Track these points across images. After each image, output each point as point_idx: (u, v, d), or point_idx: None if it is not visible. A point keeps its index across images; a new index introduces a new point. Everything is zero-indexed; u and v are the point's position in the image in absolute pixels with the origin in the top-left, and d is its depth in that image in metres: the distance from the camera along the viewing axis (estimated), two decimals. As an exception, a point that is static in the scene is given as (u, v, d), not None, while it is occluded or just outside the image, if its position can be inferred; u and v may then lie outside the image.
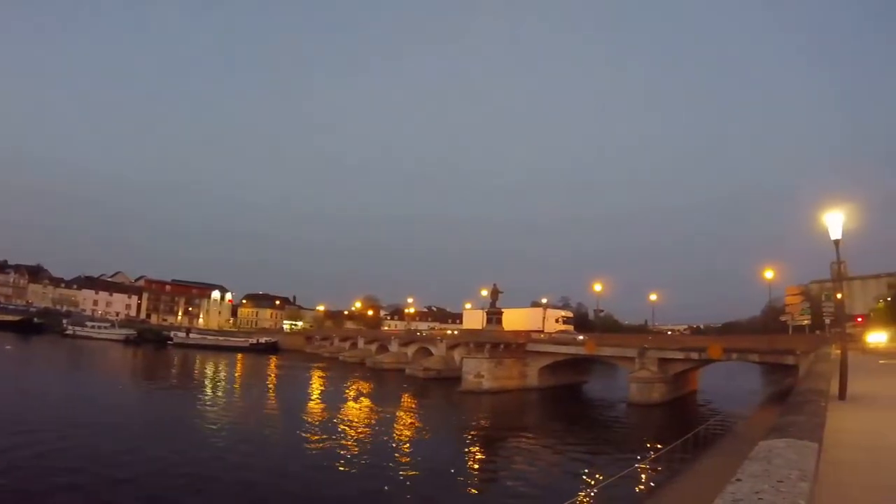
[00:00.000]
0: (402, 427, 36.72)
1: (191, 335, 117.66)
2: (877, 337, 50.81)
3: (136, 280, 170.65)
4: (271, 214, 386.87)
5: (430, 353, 73.93)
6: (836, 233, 14.12)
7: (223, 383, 59.86)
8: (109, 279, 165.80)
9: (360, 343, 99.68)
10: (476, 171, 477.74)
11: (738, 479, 3.60)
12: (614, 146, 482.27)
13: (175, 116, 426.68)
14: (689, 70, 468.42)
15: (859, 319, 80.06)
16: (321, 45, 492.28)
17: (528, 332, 64.80)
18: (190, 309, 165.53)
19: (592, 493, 19.56)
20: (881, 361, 30.89)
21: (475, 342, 58.08)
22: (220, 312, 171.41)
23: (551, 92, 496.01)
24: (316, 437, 30.79)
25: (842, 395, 13.94)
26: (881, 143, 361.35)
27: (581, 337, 63.32)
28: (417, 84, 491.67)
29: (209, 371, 70.78)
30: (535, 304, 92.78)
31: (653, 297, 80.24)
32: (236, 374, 69.91)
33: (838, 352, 17.43)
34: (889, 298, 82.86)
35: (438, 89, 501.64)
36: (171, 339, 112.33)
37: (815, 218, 14.94)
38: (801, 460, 4.22)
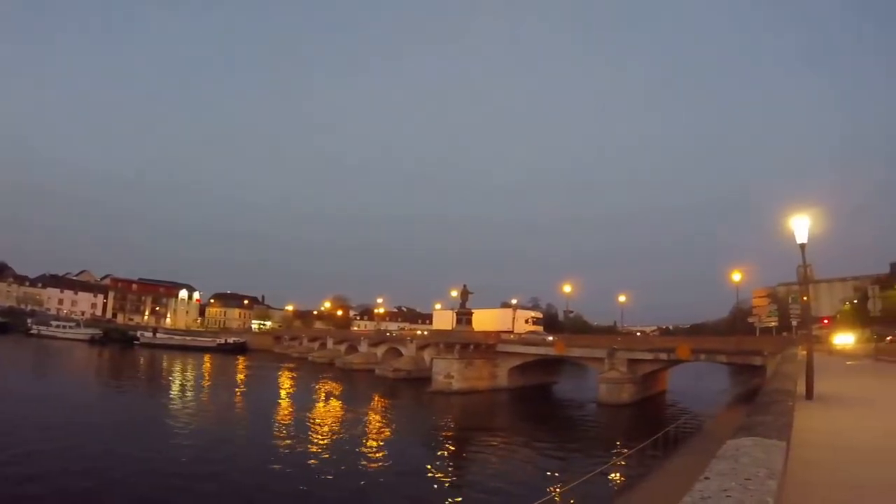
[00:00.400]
0: (372, 428, 36.43)
1: (158, 335, 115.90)
2: (843, 338, 51.64)
3: (102, 279, 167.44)
4: (270, 214, 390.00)
5: (400, 354, 73.43)
6: (802, 237, 14.31)
7: (191, 384, 58.68)
8: (75, 277, 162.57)
9: (330, 343, 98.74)
10: (477, 170, 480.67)
11: (707, 477, 3.58)
12: (614, 146, 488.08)
13: (175, 116, 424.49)
14: (689, 70, 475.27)
15: (825, 321, 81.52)
16: (321, 45, 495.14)
17: (497, 333, 64.53)
18: (157, 308, 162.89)
19: (564, 493, 19.36)
20: (848, 362, 31.33)
21: (445, 343, 57.83)
22: (187, 312, 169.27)
23: (551, 92, 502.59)
24: (285, 438, 30.32)
25: (809, 395, 14.02)
26: (874, 147, 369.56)
27: (550, 338, 63.27)
28: (417, 84, 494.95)
29: (177, 372, 69.66)
30: (505, 305, 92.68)
31: (622, 298, 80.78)
32: (204, 375, 68.61)
33: (805, 353, 17.49)
34: (855, 301, 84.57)
35: (438, 89, 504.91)
36: (137, 338, 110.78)
37: (785, 221, 15.01)
38: (769, 458, 4.18)
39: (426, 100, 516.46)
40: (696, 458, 15.76)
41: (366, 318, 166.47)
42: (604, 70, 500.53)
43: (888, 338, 54.58)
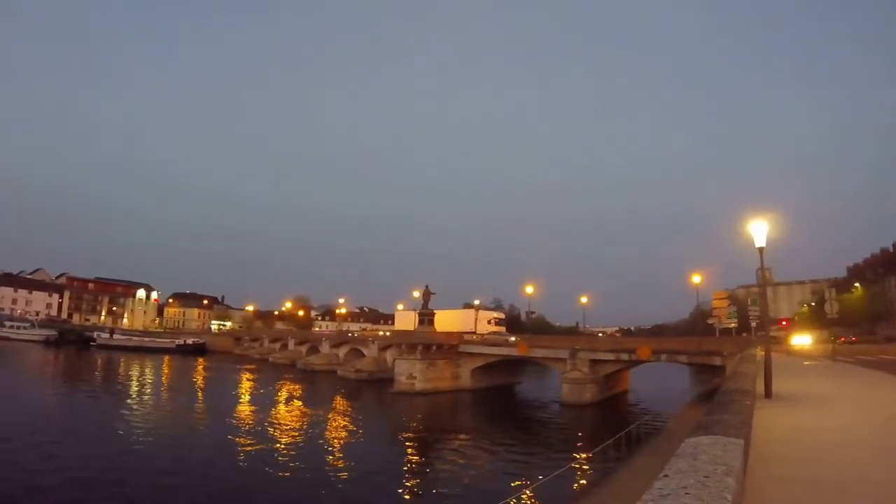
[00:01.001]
0: (334, 429, 35.91)
1: (115, 336, 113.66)
2: (801, 339, 52.65)
3: (58, 277, 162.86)
4: (230, 211, 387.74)
5: (362, 355, 72.86)
6: (760, 241, 14.75)
7: (149, 386, 57.38)
8: (29, 276, 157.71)
9: (291, 344, 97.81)
10: (447, 174, 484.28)
11: (666, 475, 3.60)
12: (601, 152, 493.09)
13: (172, 115, 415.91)
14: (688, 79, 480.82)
15: (784, 323, 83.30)
16: (323, 45, 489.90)
17: (460, 334, 64.27)
18: (114, 308, 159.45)
19: (527, 493, 19.31)
20: (806, 363, 31.85)
21: (407, 343, 57.47)
22: (145, 312, 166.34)
23: (550, 94, 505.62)
24: (246, 441, 29.85)
25: (767, 394, 14.16)
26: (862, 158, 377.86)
27: (513, 338, 63.32)
28: (417, 83, 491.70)
29: (135, 374, 67.95)
30: (468, 306, 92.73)
31: (583, 299, 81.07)
32: (163, 377, 67.54)
33: (764, 353, 17.67)
34: (813, 303, 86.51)
35: (438, 89, 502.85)
36: (94, 339, 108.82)
37: (746, 226, 15.39)
38: (727, 456, 4.22)
39: (426, 100, 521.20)
40: (658, 456, 15.75)
41: (327, 318, 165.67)
42: (595, 78, 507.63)
43: (841, 339, 55.88)
